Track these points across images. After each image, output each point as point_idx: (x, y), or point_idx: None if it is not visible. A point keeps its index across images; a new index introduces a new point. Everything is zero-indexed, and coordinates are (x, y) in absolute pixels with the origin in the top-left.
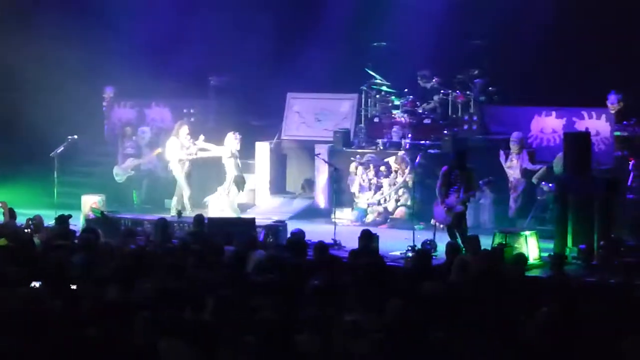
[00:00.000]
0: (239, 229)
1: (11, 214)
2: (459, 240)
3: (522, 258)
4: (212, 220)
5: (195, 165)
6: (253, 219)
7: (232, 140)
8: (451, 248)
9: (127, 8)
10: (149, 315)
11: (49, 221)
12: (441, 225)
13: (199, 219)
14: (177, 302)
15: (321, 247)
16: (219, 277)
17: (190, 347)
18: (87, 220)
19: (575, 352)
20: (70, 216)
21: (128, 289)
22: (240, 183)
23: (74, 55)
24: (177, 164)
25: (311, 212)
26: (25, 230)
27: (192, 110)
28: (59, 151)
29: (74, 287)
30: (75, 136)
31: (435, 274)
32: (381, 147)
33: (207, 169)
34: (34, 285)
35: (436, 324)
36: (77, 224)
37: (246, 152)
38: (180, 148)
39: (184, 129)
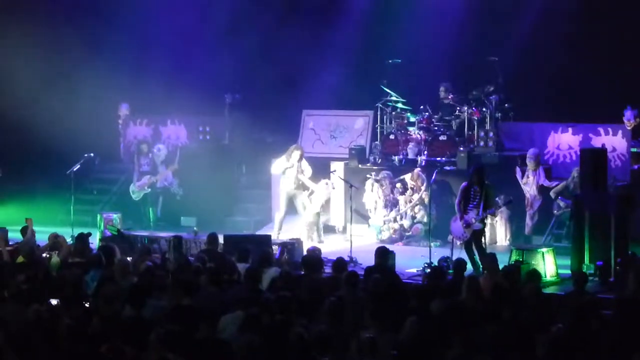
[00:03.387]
0: (255, 246)
1: (32, 232)
2: (477, 257)
3: (536, 274)
4: (228, 238)
5: None
6: (268, 236)
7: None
8: (457, 265)
9: (143, 25)
10: (162, 333)
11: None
12: (458, 242)
13: (212, 237)
14: (191, 319)
15: (340, 264)
16: (234, 294)
17: None
18: (104, 238)
19: None
20: (89, 234)
21: (142, 306)
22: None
23: (90, 73)
24: (283, 182)
25: (326, 230)
26: (48, 250)
27: (207, 128)
28: (75, 169)
29: (87, 304)
30: (92, 154)
31: (445, 292)
32: (397, 164)
33: None
34: (51, 303)
35: (451, 341)
36: (94, 241)
37: (263, 168)
38: (284, 166)
39: (296, 154)
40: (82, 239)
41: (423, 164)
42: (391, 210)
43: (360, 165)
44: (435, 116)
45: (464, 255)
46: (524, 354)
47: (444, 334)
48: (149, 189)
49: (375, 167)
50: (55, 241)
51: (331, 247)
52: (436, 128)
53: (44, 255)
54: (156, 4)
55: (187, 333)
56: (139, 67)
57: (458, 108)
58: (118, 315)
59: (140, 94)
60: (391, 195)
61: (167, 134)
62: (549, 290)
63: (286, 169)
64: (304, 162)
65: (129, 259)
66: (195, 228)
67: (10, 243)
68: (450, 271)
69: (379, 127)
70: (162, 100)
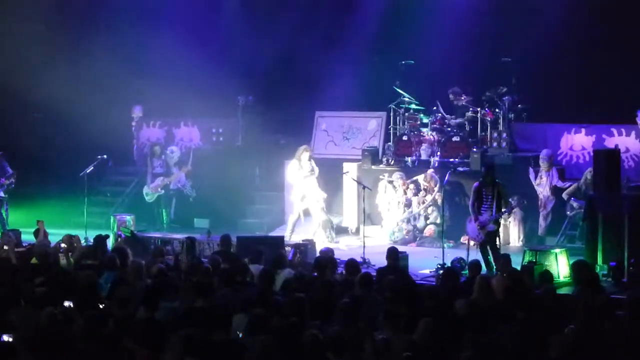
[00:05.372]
0: (268, 248)
1: (44, 233)
2: (491, 258)
3: (548, 275)
4: (241, 239)
5: None
6: (282, 238)
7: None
8: (473, 266)
9: (156, 29)
10: (182, 336)
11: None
12: (472, 243)
13: (225, 238)
14: (205, 321)
15: (352, 265)
16: (247, 296)
17: None
18: (117, 240)
19: None
20: (107, 236)
21: (156, 308)
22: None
23: (103, 75)
24: (296, 186)
25: (339, 231)
26: (62, 246)
27: (220, 130)
28: (88, 171)
29: (101, 306)
30: (105, 156)
31: (459, 292)
32: (410, 165)
33: None
34: (65, 305)
35: (465, 343)
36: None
37: (276, 170)
38: (298, 169)
39: (306, 155)
40: (100, 241)
41: (436, 165)
42: (404, 211)
43: (373, 167)
44: (449, 117)
45: (479, 256)
46: (537, 355)
47: (458, 334)
48: (162, 191)
49: (388, 168)
50: (69, 241)
51: (344, 248)
52: (449, 129)
53: (61, 249)
54: (170, 6)
55: (204, 335)
56: (153, 70)
57: (471, 109)
58: (132, 317)
59: (153, 96)
60: (404, 196)
61: (180, 135)
62: (562, 291)
63: (299, 174)
64: (312, 162)
65: (142, 260)
66: (208, 229)
67: (23, 244)
68: (465, 272)
69: (391, 128)
70: (175, 102)
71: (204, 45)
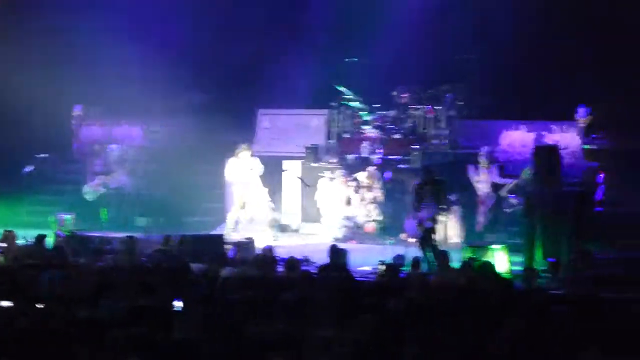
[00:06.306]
0: (209, 246)
1: None
2: (429, 255)
3: (488, 266)
4: (183, 238)
5: None
6: (221, 236)
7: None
8: (412, 263)
9: (98, 26)
10: (119, 334)
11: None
12: (412, 240)
13: (166, 237)
14: (147, 320)
15: (292, 262)
16: (189, 295)
17: None
18: (56, 239)
19: None
20: (45, 236)
21: (96, 308)
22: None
23: (44, 74)
24: (236, 184)
25: (280, 228)
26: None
27: (162, 128)
28: (28, 170)
29: (42, 305)
30: (46, 155)
31: (398, 289)
32: (351, 163)
33: None
34: (3, 304)
35: (408, 339)
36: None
37: (219, 169)
38: (236, 166)
39: (245, 153)
40: (40, 240)
41: (377, 162)
42: (345, 208)
43: (315, 164)
44: (390, 114)
45: (418, 253)
46: (479, 351)
47: (400, 332)
48: (103, 190)
49: (330, 166)
50: (7, 235)
51: (285, 246)
52: (391, 127)
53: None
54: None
55: (147, 334)
56: (94, 69)
57: (412, 107)
58: (73, 316)
59: (94, 95)
60: (345, 193)
61: (121, 134)
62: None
63: (238, 172)
64: (255, 160)
65: (82, 260)
66: (145, 227)
67: None
68: (404, 268)
69: (334, 126)
70: (117, 100)
71: (147, 44)
